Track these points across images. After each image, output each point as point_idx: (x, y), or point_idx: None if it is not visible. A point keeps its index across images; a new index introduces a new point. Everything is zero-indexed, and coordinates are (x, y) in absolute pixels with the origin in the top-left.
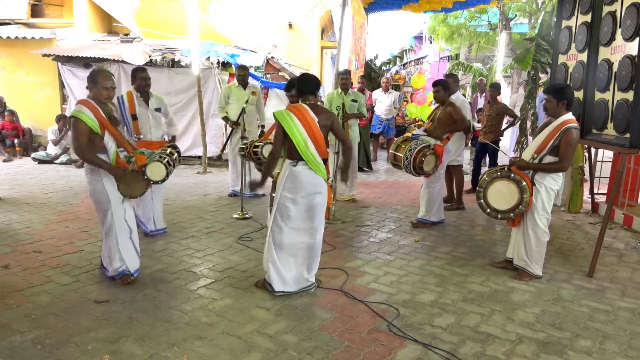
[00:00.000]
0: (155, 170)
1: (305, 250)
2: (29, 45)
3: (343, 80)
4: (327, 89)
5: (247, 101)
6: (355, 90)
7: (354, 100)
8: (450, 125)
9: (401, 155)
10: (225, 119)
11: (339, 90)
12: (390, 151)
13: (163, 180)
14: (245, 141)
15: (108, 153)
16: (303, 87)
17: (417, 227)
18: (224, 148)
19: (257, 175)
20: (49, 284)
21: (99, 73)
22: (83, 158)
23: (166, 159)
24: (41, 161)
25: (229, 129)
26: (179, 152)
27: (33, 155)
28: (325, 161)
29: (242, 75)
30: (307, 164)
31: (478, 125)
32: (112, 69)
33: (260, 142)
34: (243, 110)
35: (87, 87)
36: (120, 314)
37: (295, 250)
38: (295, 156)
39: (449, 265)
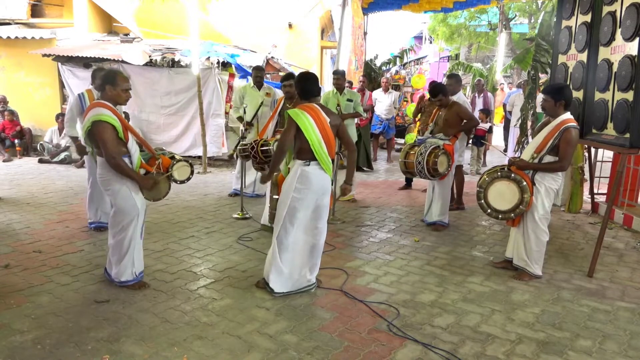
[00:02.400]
0: (182, 171)
1: (309, 250)
2: (29, 45)
3: (337, 80)
4: (328, 89)
5: (262, 102)
6: (354, 90)
7: (350, 100)
8: (459, 125)
9: (412, 161)
10: (240, 119)
11: (334, 90)
12: (400, 160)
13: (188, 179)
14: (245, 142)
15: (132, 157)
16: (311, 88)
17: (437, 230)
18: (236, 147)
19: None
20: (49, 284)
21: (117, 74)
22: (115, 167)
23: (189, 161)
24: (42, 160)
25: (243, 129)
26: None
27: (40, 142)
28: (333, 161)
29: (258, 76)
30: (319, 163)
31: (482, 125)
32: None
33: (268, 141)
34: (245, 111)
35: (97, 87)
36: (120, 314)
37: (299, 250)
38: (307, 156)
39: (449, 265)
